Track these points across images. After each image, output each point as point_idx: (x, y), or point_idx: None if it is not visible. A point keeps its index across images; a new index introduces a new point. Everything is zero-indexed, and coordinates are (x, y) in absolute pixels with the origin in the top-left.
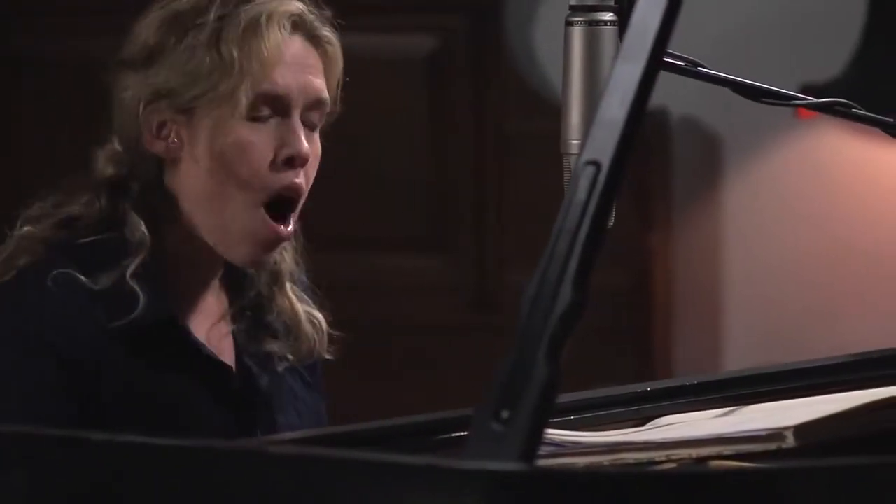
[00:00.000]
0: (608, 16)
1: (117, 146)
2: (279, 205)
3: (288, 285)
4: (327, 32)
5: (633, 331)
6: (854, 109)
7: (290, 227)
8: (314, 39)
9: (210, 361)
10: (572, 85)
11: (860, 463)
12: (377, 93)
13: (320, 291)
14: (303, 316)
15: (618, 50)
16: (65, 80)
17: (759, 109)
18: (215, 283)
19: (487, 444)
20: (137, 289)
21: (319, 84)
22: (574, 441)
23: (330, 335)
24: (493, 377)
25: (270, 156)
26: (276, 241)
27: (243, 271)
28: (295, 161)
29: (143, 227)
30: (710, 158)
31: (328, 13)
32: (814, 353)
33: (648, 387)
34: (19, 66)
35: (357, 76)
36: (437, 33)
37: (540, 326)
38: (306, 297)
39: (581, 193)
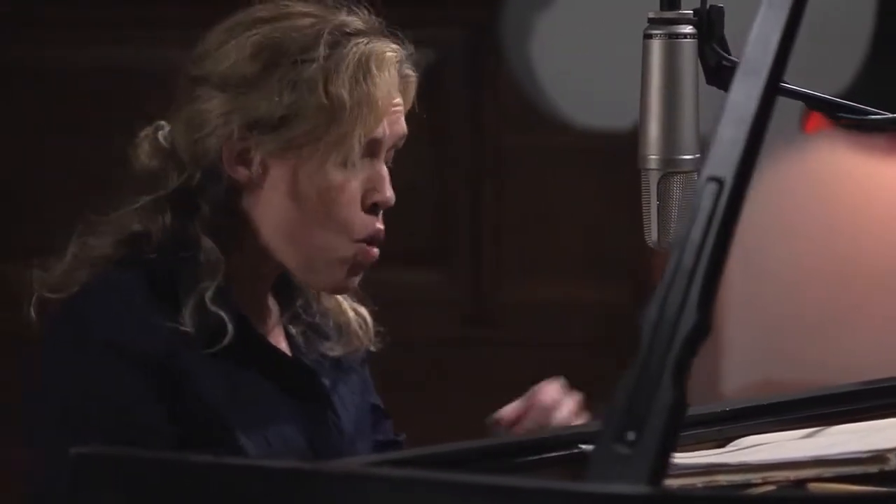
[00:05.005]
0: (687, 29)
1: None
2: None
3: None
4: (411, 70)
5: (632, 345)
6: None
7: (377, 250)
8: (403, 79)
9: (281, 359)
10: (651, 99)
11: None
12: None
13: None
14: (350, 312)
15: (737, 65)
16: (65, 88)
17: None
18: (268, 293)
19: (613, 467)
20: (222, 314)
21: (403, 124)
22: None
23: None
24: (615, 399)
25: (359, 200)
26: (367, 264)
27: (289, 280)
28: (380, 207)
29: (218, 252)
30: None
31: (410, 48)
32: (815, 370)
33: (727, 406)
34: (19, 73)
35: None
36: (433, 47)
37: (664, 348)
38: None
39: (704, 210)
